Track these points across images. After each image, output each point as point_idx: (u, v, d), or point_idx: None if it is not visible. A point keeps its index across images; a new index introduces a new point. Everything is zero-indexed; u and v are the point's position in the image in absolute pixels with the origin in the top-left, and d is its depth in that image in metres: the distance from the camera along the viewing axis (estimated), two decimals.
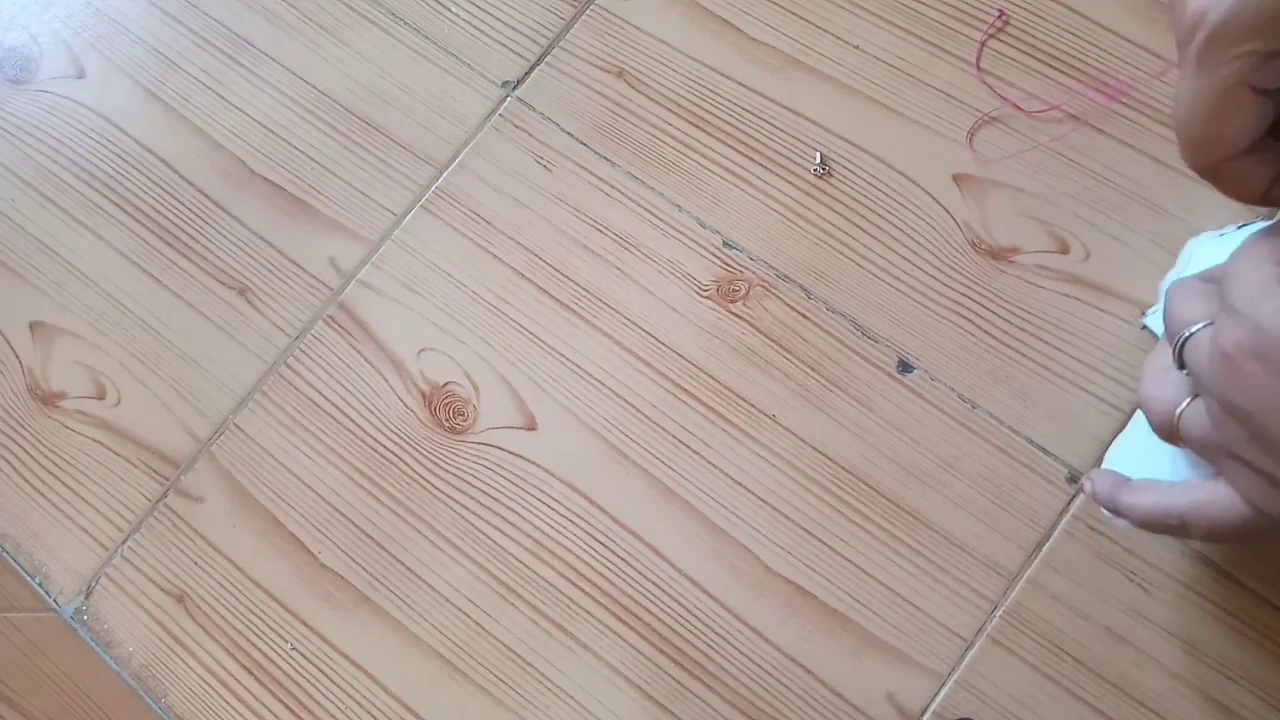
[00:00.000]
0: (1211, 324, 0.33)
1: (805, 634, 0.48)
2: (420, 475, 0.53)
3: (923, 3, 0.55)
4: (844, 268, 0.52)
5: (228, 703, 0.51)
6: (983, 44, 0.53)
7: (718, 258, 0.53)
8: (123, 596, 0.53)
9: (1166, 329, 0.35)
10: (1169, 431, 0.36)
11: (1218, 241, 0.47)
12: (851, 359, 0.51)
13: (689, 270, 0.53)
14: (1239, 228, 0.47)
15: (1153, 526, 0.37)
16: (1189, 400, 0.34)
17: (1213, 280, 0.34)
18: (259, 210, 0.58)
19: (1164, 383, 0.35)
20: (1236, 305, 0.30)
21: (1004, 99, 0.52)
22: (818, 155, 0.54)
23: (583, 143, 0.56)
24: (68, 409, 0.57)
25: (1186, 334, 0.34)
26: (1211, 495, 0.34)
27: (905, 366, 0.50)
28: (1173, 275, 0.48)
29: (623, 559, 0.50)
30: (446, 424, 0.53)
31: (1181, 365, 0.34)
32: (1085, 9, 0.53)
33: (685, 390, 0.52)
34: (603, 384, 0.52)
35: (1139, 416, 0.46)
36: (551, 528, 0.51)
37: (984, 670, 0.46)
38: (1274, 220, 0.35)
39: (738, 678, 0.48)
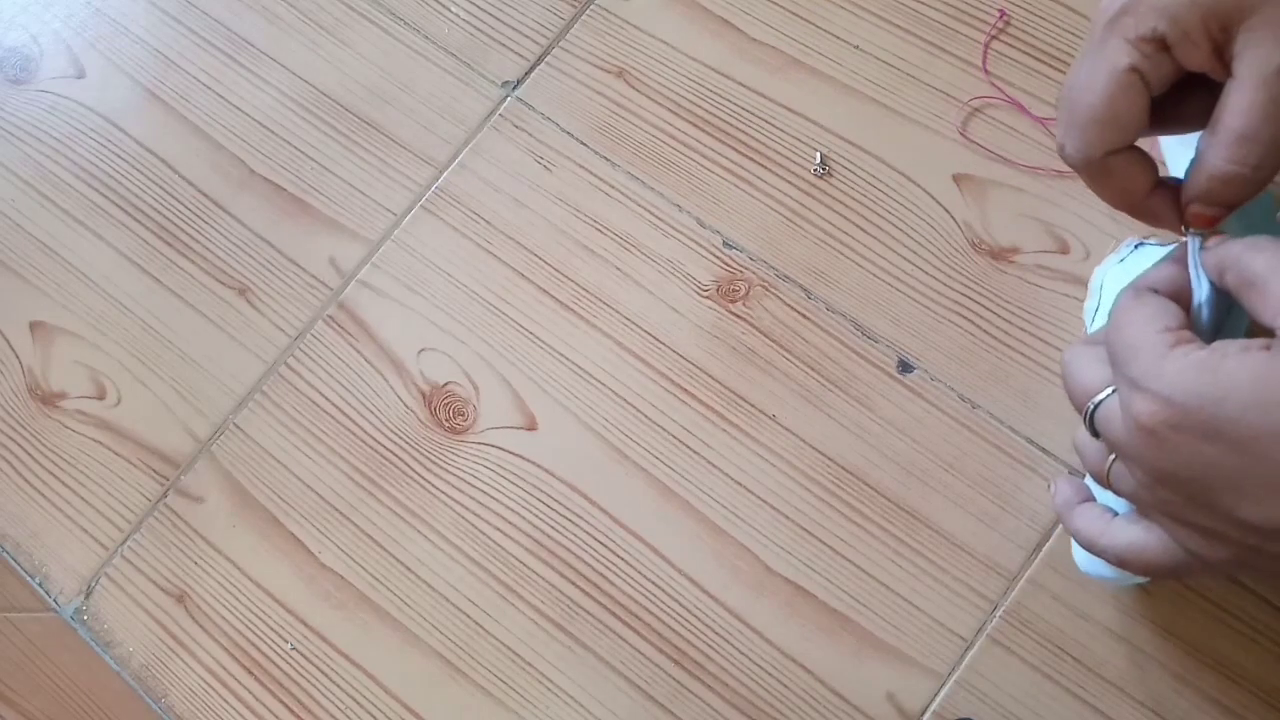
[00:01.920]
0: (1115, 390, 0.32)
1: (805, 634, 0.48)
2: (420, 475, 0.53)
3: (923, 3, 0.55)
4: (844, 268, 0.52)
5: (228, 703, 0.51)
6: (987, 45, 0.53)
7: (718, 258, 0.53)
8: (123, 596, 0.53)
9: (1070, 396, 0.35)
10: (1102, 481, 0.35)
11: (1121, 267, 0.47)
12: (851, 359, 0.51)
13: (689, 270, 0.53)
14: (1135, 247, 0.47)
15: (1091, 551, 0.37)
16: (1113, 457, 0.34)
17: (1100, 343, 0.34)
18: (259, 210, 0.58)
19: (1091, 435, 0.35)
20: (1139, 380, 0.30)
21: (1010, 100, 0.52)
22: (818, 155, 0.54)
23: (583, 143, 0.56)
24: (68, 409, 0.57)
25: (1093, 405, 0.33)
26: (1145, 540, 0.34)
27: (905, 366, 0.50)
28: (1089, 305, 0.48)
29: (623, 559, 0.50)
30: (446, 424, 0.53)
31: (1095, 433, 0.34)
32: (1085, 9, 0.53)
33: (685, 390, 0.52)
34: (603, 384, 0.52)
35: None
36: (551, 528, 0.51)
37: (984, 670, 0.46)
38: (1141, 275, 0.35)
39: (738, 678, 0.48)
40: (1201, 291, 0.33)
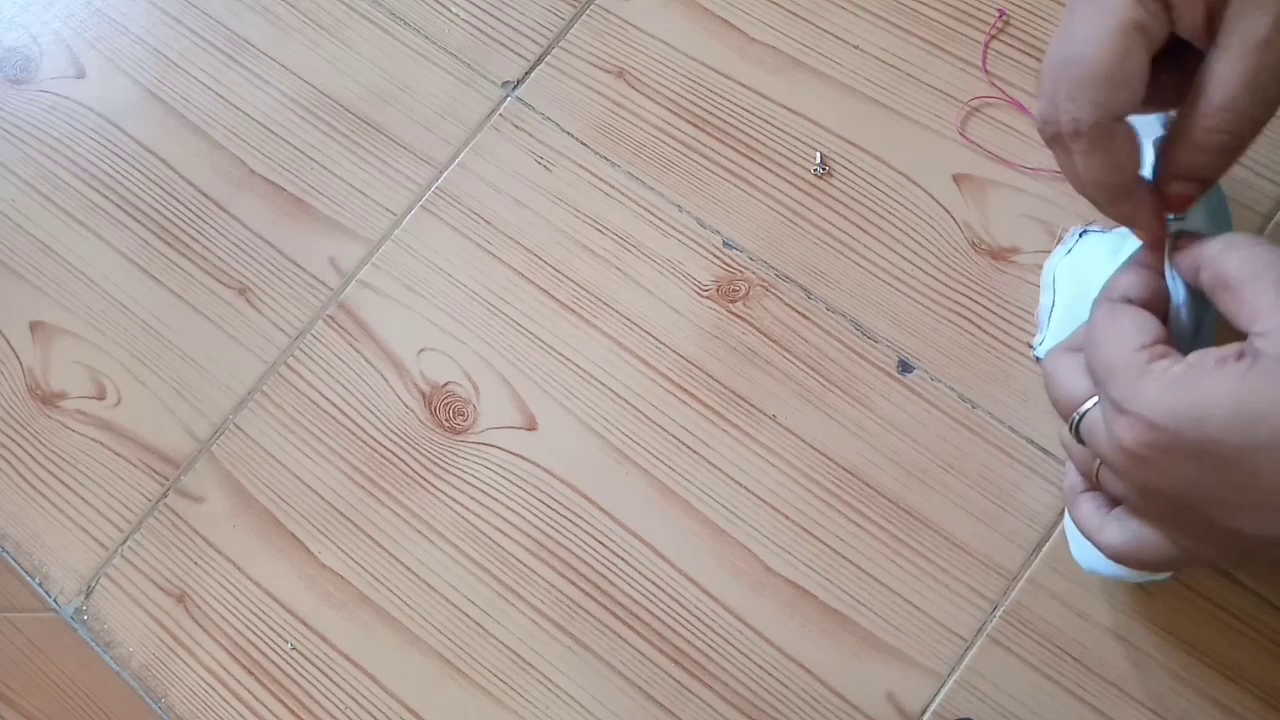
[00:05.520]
0: (1099, 401, 0.32)
1: (805, 634, 0.48)
2: (420, 475, 0.53)
3: (923, 3, 0.55)
4: (844, 268, 0.52)
5: (228, 703, 0.51)
6: (987, 45, 0.53)
7: (718, 258, 0.53)
8: (123, 596, 0.53)
9: (1054, 405, 0.35)
10: (1091, 482, 0.35)
11: (1070, 258, 0.47)
12: (851, 359, 0.51)
13: (689, 270, 0.53)
14: (1080, 235, 0.47)
15: (1089, 541, 0.37)
16: (1099, 461, 0.34)
17: (1079, 349, 0.34)
18: (259, 210, 0.58)
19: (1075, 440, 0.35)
20: (1120, 401, 0.30)
21: (1010, 100, 0.52)
22: (818, 155, 0.54)
23: (583, 143, 0.56)
24: (68, 409, 0.57)
25: (1078, 416, 0.33)
26: (1140, 537, 0.34)
27: (905, 366, 0.50)
28: (1044, 302, 0.48)
29: (623, 559, 0.50)
30: (446, 424, 0.53)
31: (1080, 441, 0.34)
32: None
33: (685, 390, 0.52)
34: (603, 384, 0.52)
35: None
36: (551, 528, 0.51)
37: (984, 670, 0.46)
38: (1106, 286, 0.34)
39: (738, 678, 0.48)
40: (1179, 294, 0.33)
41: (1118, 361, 0.30)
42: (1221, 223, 0.42)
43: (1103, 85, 0.31)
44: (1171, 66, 0.32)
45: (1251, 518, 0.29)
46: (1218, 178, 0.32)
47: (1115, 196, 0.33)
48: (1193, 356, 0.29)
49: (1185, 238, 0.33)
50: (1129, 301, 0.33)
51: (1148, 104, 0.33)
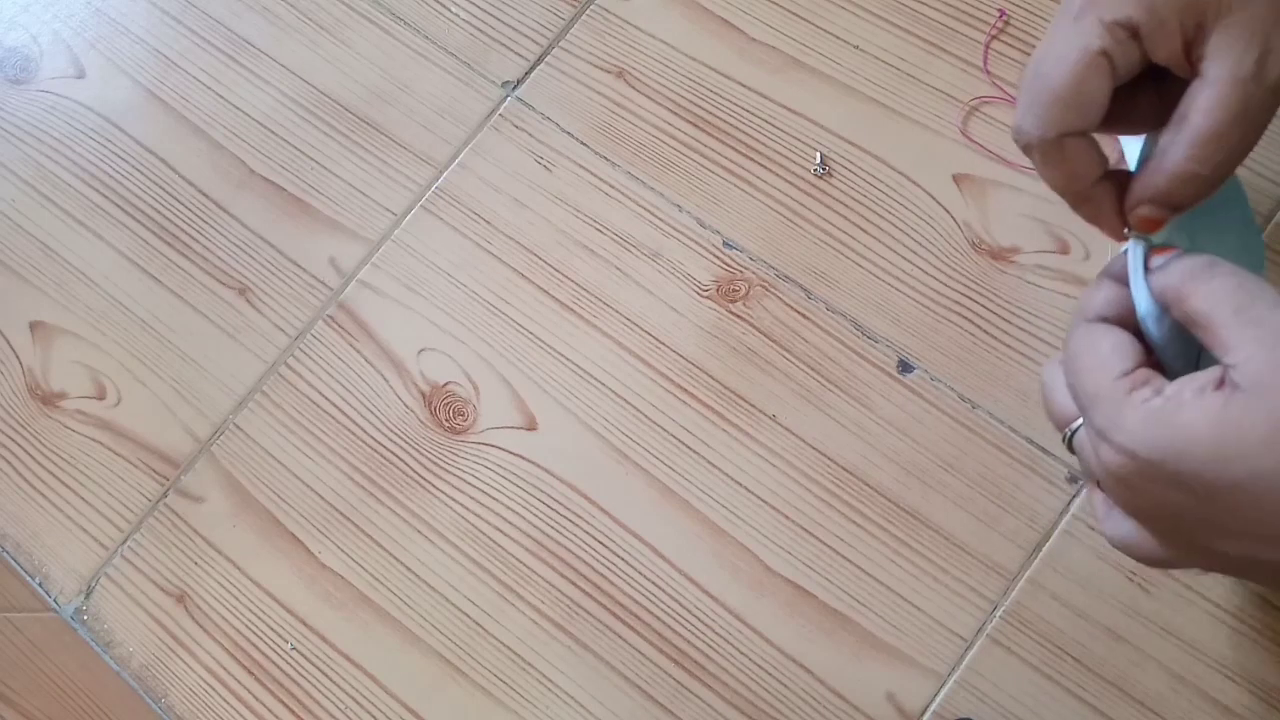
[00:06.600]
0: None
1: (805, 634, 0.48)
2: (420, 475, 0.53)
3: (923, 3, 0.55)
4: (844, 268, 0.52)
5: (228, 703, 0.51)
6: (988, 45, 0.53)
7: (718, 258, 0.53)
8: (123, 596, 0.53)
9: (1049, 418, 0.35)
10: (1094, 488, 0.36)
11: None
12: (851, 359, 0.51)
13: (689, 270, 0.53)
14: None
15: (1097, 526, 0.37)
16: None
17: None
18: (259, 210, 0.58)
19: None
20: (1103, 430, 0.30)
21: (1010, 100, 0.52)
22: (818, 155, 0.54)
23: (583, 143, 0.56)
24: (68, 409, 0.57)
25: (1069, 432, 0.34)
26: (1139, 538, 0.34)
27: (905, 366, 0.50)
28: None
29: (623, 559, 0.50)
30: (446, 424, 0.53)
31: (1074, 452, 0.34)
32: None
33: (685, 390, 0.52)
34: (603, 384, 0.52)
35: None
36: (551, 528, 0.51)
37: (984, 670, 0.46)
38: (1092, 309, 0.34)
39: (738, 678, 0.48)
40: (1143, 304, 0.33)
41: (1099, 391, 0.31)
42: (1236, 205, 0.40)
43: (1055, 107, 0.32)
44: (1150, 91, 0.32)
45: (1235, 543, 0.29)
46: (1190, 206, 0.32)
47: (1073, 201, 0.34)
48: (1172, 386, 0.29)
49: (1156, 258, 0.32)
50: (1105, 320, 0.33)
51: (1124, 126, 0.33)
